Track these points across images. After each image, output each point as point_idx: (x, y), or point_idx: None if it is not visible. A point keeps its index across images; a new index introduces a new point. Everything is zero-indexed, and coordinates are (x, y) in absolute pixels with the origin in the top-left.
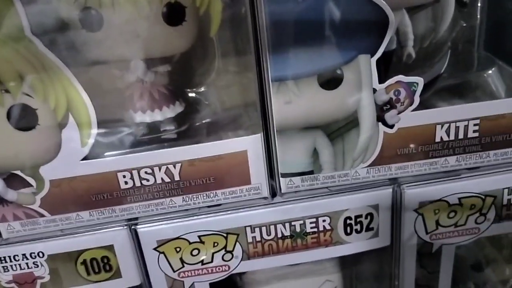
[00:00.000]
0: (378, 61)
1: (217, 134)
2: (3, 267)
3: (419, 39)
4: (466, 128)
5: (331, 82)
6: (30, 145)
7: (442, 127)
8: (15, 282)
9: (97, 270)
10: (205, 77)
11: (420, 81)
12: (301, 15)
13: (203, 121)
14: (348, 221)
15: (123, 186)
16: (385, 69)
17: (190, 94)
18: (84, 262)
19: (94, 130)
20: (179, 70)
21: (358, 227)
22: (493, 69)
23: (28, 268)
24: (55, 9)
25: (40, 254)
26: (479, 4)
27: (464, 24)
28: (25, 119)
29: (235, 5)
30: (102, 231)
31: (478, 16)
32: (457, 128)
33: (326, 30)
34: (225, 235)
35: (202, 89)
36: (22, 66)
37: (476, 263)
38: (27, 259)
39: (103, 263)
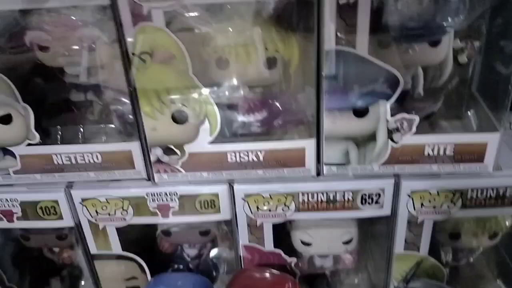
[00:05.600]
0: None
1: (285, 133)
2: (152, 199)
3: (427, 83)
4: (445, 148)
5: (360, 113)
6: (181, 132)
7: (429, 146)
8: (157, 209)
9: (206, 207)
10: (282, 96)
11: (416, 118)
12: (345, 82)
13: (278, 124)
14: (364, 197)
15: (229, 160)
16: (401, 102)
17: (272, 106)
18: (200, 201)
19: (218, 127)
20: (266, 91)
21: (370, 201)
22: (472, 110)
23: (166, 201)
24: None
25: (175, 193)
26: (471, 66)
27: (458, 78)
28: (181, 118)
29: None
30: (213, 185)
31: (470, 73)
32: (439, 148)
33: (360, 87)
34: (285, 195)
35: (279, 103)
36: (184, 90)
37: (453, 233)
38: (166, 195)
39: (210, 203)
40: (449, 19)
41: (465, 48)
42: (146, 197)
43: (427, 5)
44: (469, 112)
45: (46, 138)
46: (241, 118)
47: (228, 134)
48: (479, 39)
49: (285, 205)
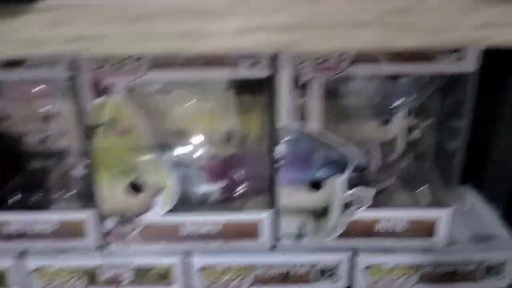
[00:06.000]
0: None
1: (244, 202)
2: (104, 270)
3: (381, 159)
4: (398, 223)
5: (316, 187)
6: (136, 202)
7: (383, 220)
8: (110, 280)
9: (160, 279)
10: (240, 167)
11: (371, 192)
12: (302, 159)
13: (237, 194)
14: (321, 269)
15: (184, 231)
16: (355, 177)
17: (232, 176)
18: (153, 273)
19: (175, 197)
20: (225, 161)
21: (327, 274)
22: (426, 185)
23: (119, 272)
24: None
25: (128, 264)
26: (423, 142)
27: (411, 154)
28: (136, 188)
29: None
30: (167, 256)
31: (422, 149)
32: (392, 222)
33: (314, 162)
34: (241, 268)
35: (237, 174)
36: (141, 160)
37: None
38: (119, 267)
39: (164, 275)
40: (399, 100)
41: (416, 125)
42: (98, 268)
43: (378, 87)
44: (422, 187)
45: (1, 204)
46: (198, 188)
47: (185, 204)
48: (429, 117)
49: (241, 278)
